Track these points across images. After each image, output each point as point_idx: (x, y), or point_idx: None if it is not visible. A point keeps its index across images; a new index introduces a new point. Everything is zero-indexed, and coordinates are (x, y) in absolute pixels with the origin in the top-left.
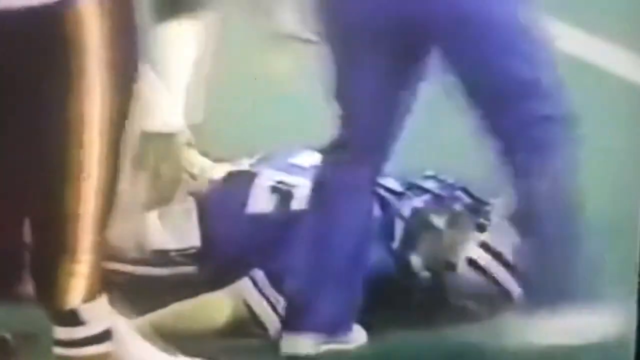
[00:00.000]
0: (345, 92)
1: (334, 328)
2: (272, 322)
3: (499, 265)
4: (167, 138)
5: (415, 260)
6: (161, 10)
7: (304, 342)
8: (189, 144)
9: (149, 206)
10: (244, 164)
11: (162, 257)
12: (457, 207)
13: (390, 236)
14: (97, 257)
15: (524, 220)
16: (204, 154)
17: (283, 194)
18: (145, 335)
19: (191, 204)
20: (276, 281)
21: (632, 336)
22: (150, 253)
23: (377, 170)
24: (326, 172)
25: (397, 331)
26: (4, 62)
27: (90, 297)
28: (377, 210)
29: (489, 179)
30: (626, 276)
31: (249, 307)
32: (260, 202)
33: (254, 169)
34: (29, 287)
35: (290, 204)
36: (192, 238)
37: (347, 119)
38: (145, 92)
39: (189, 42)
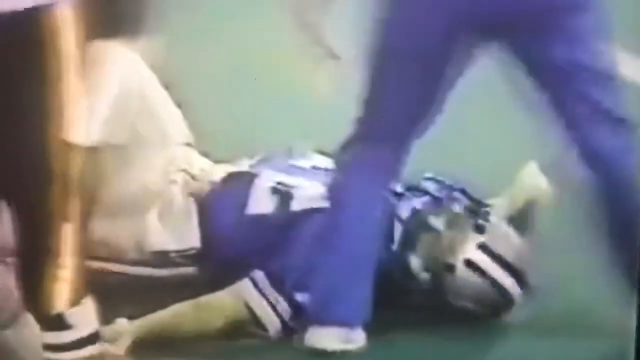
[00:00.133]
0: (377, 96)
1: (357, 322)
2: (272, 322)
3: (498, 266)
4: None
5: (415, 261)
6: (105, 27)
7: (329, 336)
8: (189, 144)
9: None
10: (244, 165)
11: (162, 258)
12: (456, 208)
13: (389, 237)
14: (81, 261)
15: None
16: (204, 154)
17: (283, 195)
18: (145, 336)
19: (191, 205)
20: (276, 282)
21: (632, 336)
22: (150, 254)
23: (399, 163)
24: (344, 167)
25: (397, 332)
26: None
27: (76, 301)
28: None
29: (488, 180)
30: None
31: (249, 308)
32: (261, 203)
33: (254, 170)
34: None
35: (290, 204)
36: (192, 239)
37: (373, 118)
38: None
39: (123, 63)
